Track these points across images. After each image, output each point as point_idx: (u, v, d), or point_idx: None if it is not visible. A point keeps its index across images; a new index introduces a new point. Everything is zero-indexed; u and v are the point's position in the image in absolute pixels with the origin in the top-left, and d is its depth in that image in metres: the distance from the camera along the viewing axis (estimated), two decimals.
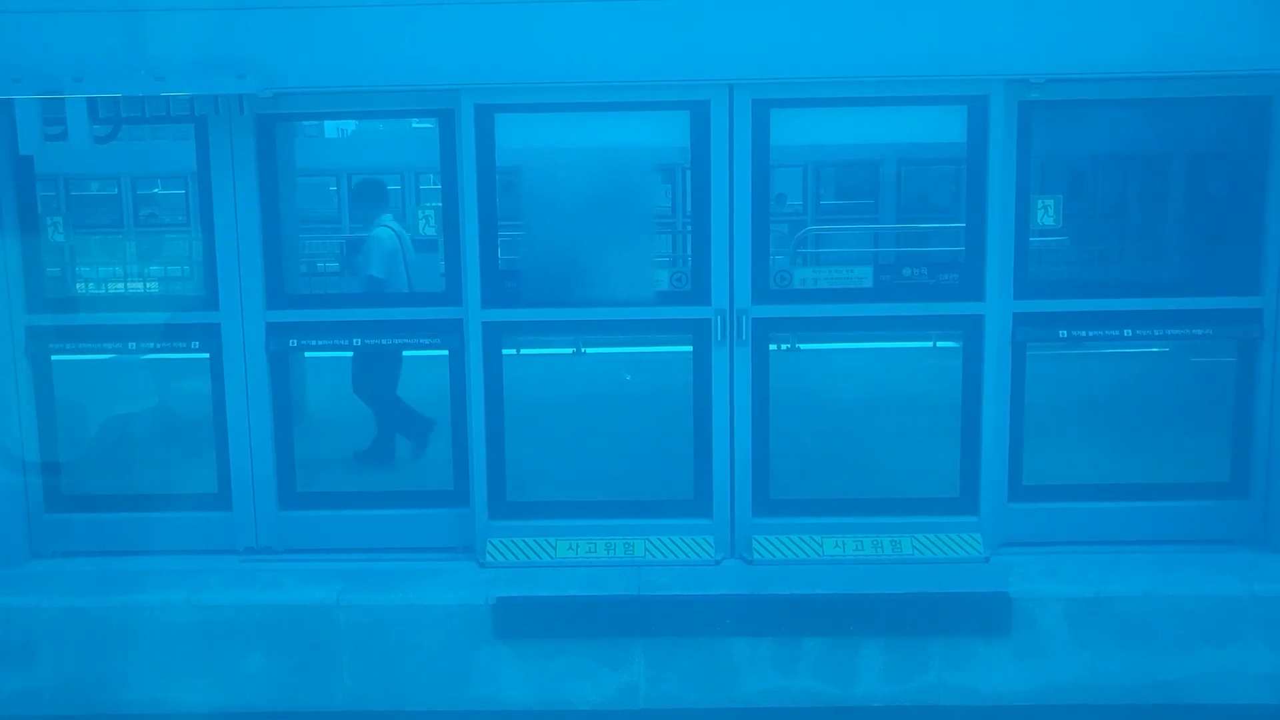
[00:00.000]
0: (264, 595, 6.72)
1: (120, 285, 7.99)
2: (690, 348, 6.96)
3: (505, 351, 7.00)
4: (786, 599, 6.62)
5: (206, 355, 7.17)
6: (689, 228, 6.92)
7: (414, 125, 7.85)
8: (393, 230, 7.86)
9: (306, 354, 7.34)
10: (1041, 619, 6.57)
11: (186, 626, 6.66)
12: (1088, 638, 6.57)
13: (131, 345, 7.21)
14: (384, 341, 7.16)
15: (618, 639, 6.62)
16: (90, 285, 7.70)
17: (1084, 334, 7.01)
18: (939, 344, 7.48)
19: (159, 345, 7.20)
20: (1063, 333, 7.00)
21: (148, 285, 7.58)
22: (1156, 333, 7.08)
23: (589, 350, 7.68)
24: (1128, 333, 7.04)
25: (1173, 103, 6.93)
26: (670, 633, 6.60)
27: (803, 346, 7.69)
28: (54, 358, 7.21)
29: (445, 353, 7.11)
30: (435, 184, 7.41)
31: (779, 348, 7.13)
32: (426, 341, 7.12)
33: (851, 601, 6.59)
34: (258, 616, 6.67)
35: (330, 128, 7.86)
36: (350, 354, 7.55)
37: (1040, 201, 6.96)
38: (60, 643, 6.68)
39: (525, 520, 7.10)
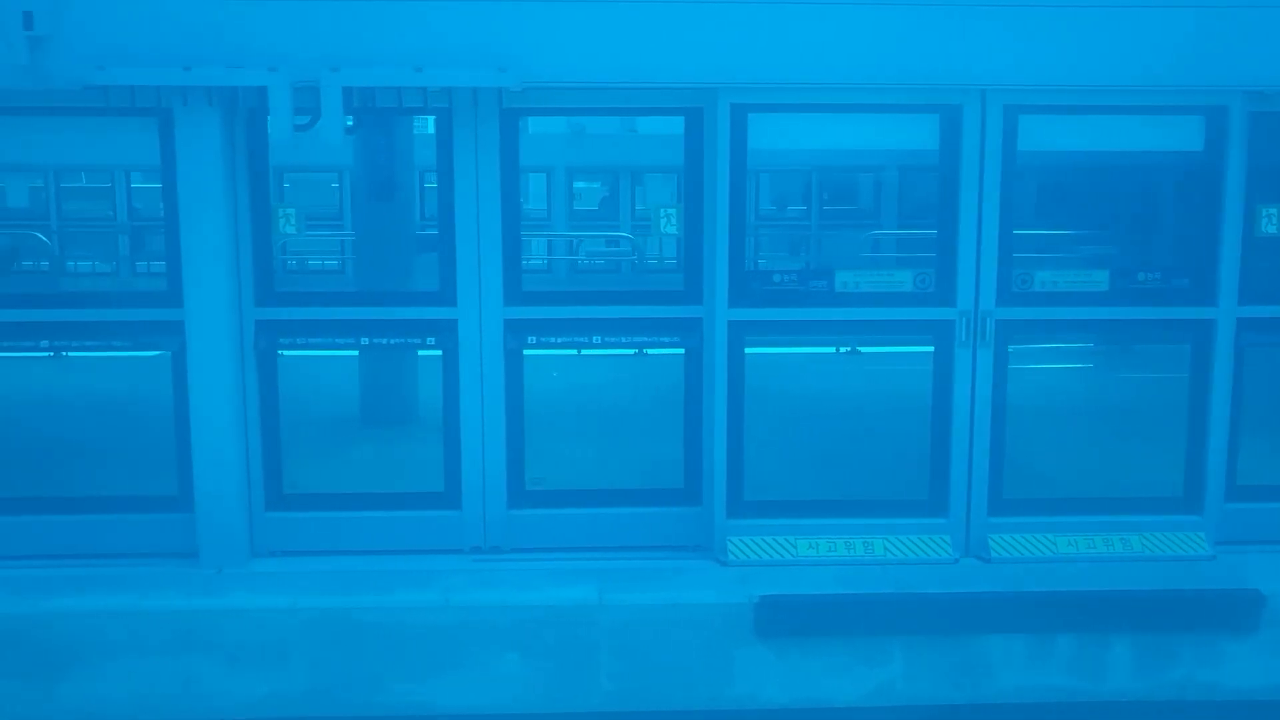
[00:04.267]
0: (521, 595, 6.64)
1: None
2: (931, 348, 7.06)
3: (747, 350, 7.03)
4: (1039, 596, 6.72)
5: (440, 351, 7.08)
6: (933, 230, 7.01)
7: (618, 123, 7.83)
8: None
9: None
10: None
11: (442, 627, 6.56)
12: None
13: (364, 340, 7.08)
14: (623, 339, 7.14)
15: (876, 637, 6.67)
16: (312, 279, 7.49)
17: None
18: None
19: (393, 341, 7.08)
20: None
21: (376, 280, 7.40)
22: None
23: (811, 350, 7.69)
24: None
25: None
26: (928, 630, 6.67)
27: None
28: (282, 353, 7.07)
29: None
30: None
31: None
32: (667, 340, 7.10)
33: (1101, 598, 6.72)
34: (516, 617, 6.59)
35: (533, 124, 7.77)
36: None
37: (1264, 210, 7.17)
38: (310, 643, 6.54)
39: (763, 519, 7.11)
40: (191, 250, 6.72)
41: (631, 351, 7.20)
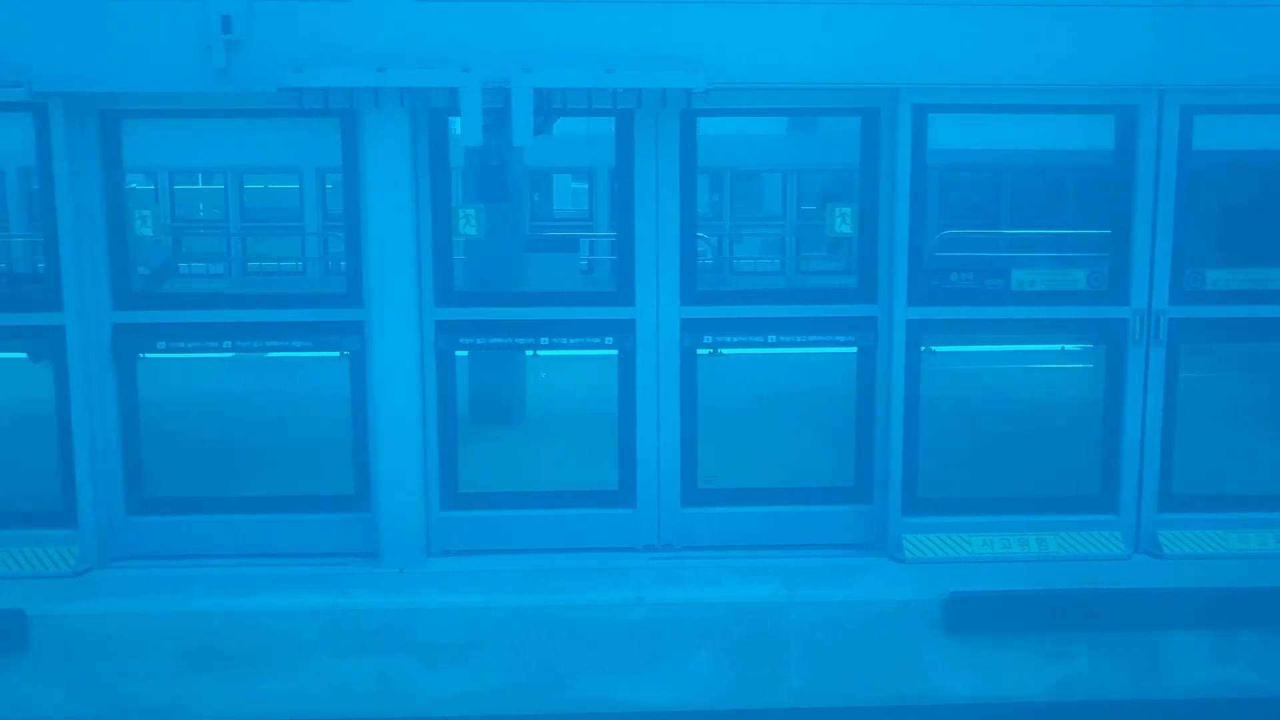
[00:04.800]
0: (710, 593, 6.69)
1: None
2: (1103, 347, 7.13)
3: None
4: (1220, 592, 6.79)
5: (616, 351, 7.13)
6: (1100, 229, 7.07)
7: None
8: None
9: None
10: None
11: (635, 624, 6.61)
12: None
13: (544, 340, 7.12)
14: (797, 338, 7.18)
15: (1061, 632, 6.73)
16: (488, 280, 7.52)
17: None
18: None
19: (571, 341, 7.12)
20: None
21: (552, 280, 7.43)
22: None
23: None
24: None
25: None
26: (1111, 626, 6.72)
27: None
28: (458, 353, 7.12)
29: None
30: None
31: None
32: (841, 339, 7.15)
33: None
34: (706, 614, 6.64)
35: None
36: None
37: None
38: (504, 641, 6.58)
39: (937, 516, 7.16)
40: (377, 251, 6.76)
41: (798, 350, 7.28)
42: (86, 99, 6.65)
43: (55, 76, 6.49)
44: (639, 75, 6.58)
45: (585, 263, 7.92)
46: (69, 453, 6.86)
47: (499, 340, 7.09)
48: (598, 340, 7.11)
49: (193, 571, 6.89)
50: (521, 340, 7.10)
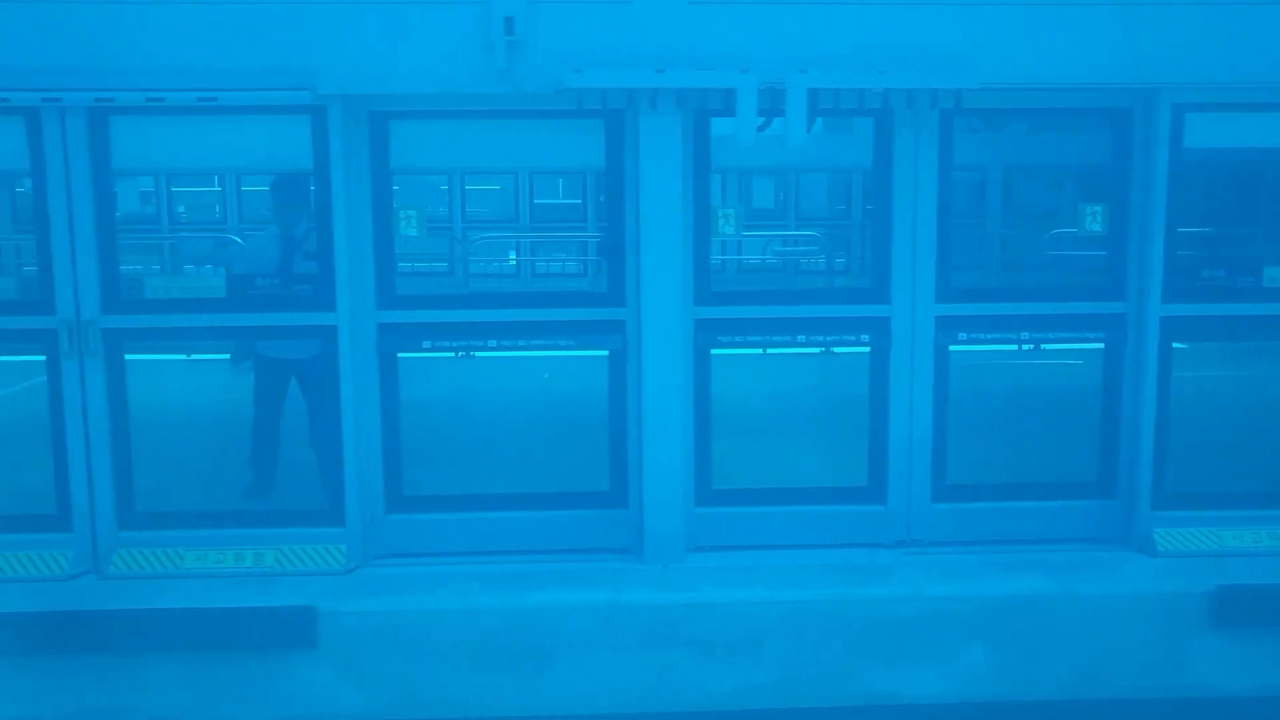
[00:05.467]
0: (979, 586, 6.77)
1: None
2: None
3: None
4: None
5: (868, 349, 7.21)
6: None
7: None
8: None
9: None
10: None
11: (912, 618, 6.68)
12: None
13: (800, 338, 7.20)
14: (1050, 335, 7.25)
15: None
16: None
17: None
18: None
19: (827, 339, 7.20)
20: None
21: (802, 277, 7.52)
22: None
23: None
24: None
25: None
26: None
27: None
28: (714, 351, 7.18)
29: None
30: None
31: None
32: (1092, 336, 7.24)
33: None
34: (976, 607, 6.72)
35: None
36: None
37: None
38: (782, 635, 6.65)
39: (1184, 510, 7.24)
40: (649, 250, 6.83)
41: (1050, 346, 7.36)
42: (360, 101, 6.74)
43: (336, 79, 6.57)
44: (911, 76, 6.65)
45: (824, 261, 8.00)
46: (338, 452, 6.96)
47: (755, 338, 7.18)
48: (853, 337, 7.19)
49: (460, 568, 6.95)
50: (778, 338, 7.20)
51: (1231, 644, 6.77)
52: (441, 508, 7.21)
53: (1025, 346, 7.22)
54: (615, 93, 6.61)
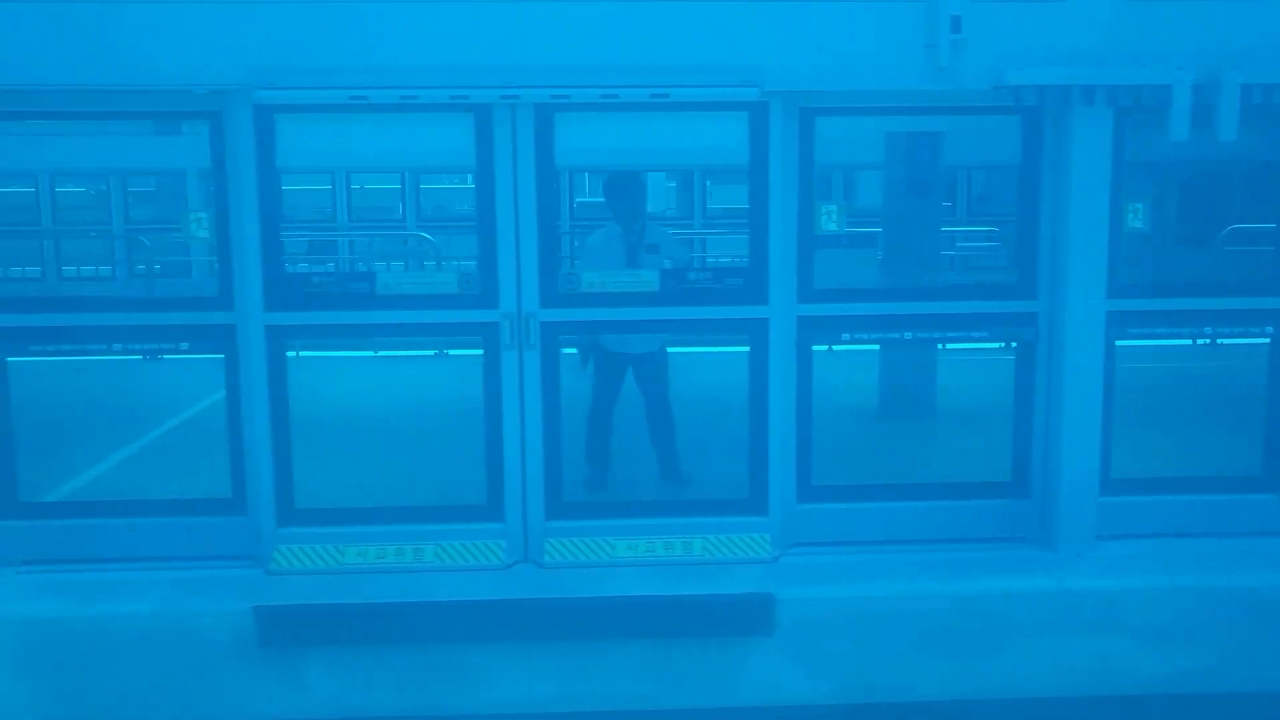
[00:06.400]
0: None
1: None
2: None
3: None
4: None
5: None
6: None
7: None
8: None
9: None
10: None
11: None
12: None
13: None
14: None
15: None
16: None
17: None
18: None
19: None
20: None
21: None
22: None
23: None
24: None
25: None
26: None
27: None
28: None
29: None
30: None
31: None
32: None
33: None
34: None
35: None
36: None
37: None
38: (1213, 620, 6.78)
39: None
40: (1075, 246, 6.91)
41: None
42: (794, 97, 6.88)
43: (779, 76, 6.72)
44: None
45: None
46: (764, 441, 7.11)
47: (1162, 330, 7.31)
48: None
49: (878, 557, 7.07)
50: (1183, 330, 7.34)
51: None
52: (848, 498, 7.36)
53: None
54: (1052, 89, 6.76)
